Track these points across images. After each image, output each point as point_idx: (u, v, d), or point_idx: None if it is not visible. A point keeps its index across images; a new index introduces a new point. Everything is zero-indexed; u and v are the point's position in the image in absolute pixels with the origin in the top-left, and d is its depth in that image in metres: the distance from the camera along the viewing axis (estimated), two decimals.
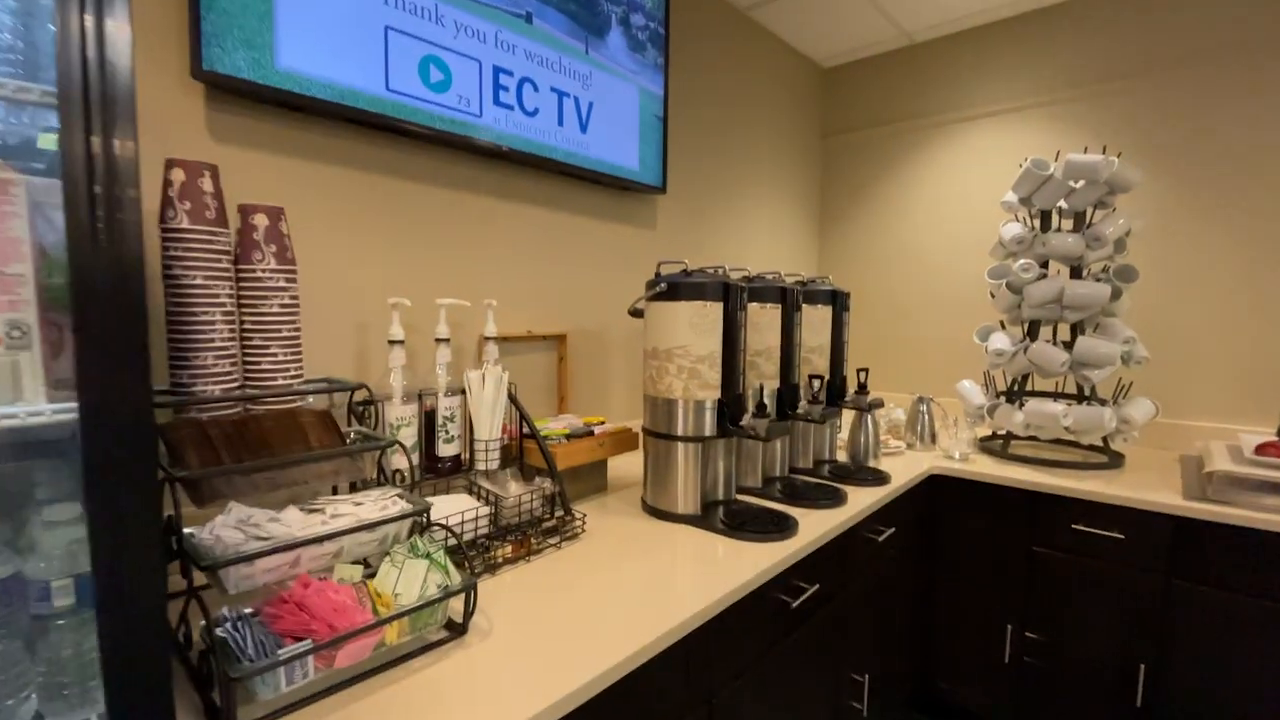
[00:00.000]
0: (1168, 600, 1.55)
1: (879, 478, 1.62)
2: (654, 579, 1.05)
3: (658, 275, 1.31)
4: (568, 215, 1.69)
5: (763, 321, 1.47)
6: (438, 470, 1.22)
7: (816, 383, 1.47)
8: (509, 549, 1.09)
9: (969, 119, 2.39)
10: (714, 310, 1.27)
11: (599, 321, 1.81)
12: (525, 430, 1.32)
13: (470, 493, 1.24)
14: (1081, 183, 1.79)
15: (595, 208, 1.76)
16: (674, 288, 1.27)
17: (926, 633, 1.95)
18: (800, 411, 1.49)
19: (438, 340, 1.23)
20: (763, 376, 1.48)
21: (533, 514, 1.22)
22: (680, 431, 1.30)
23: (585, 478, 1.47)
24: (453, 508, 1.09)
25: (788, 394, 1.51)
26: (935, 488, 1.88)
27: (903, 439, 2.07)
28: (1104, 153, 1.72)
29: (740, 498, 1.45)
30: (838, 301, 1.68)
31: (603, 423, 1.56)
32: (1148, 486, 1.62)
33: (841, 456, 1.86)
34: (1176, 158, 2.01)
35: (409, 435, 1.16)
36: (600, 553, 1.15)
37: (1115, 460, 1.82)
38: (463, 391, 1.23)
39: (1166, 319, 2.05)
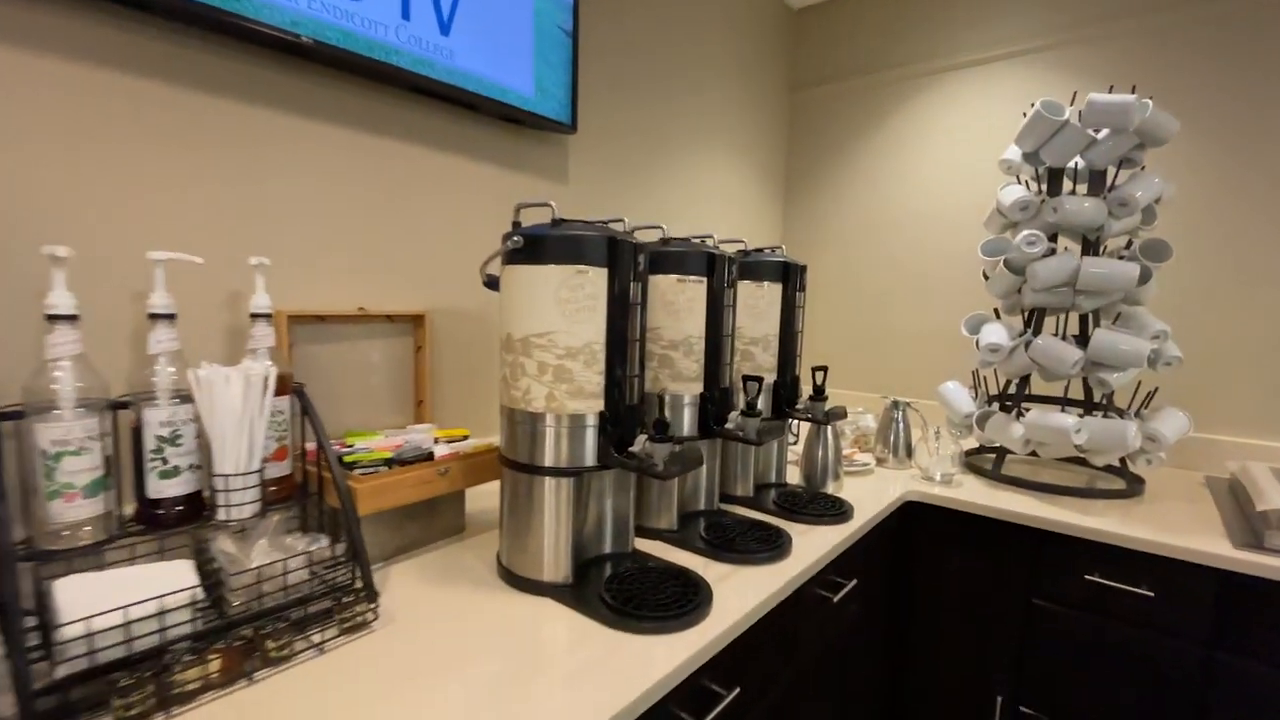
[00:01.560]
0: (1207, 678, 1.18)
1: (838, 511, 1.22)
2: (476, 712, 0.63)
3: (515, 226, 0.88)
4: (425, 150, 1.24)
5: (679, 301, 1.05)
6: (158, 521, 0.78)
7: (754, 386, 1.06)
8: (216, 664, 0.65)
9: (961, 66, 1.99)
10: (595, 280, 0.84)
11: (479, 300, 1.37)
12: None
13: (201, 558, 0.80)
14: (1105, 132, 1.39)
15: (470, 143, 1.32)
16: (535, 244, 0.84)
17: (895, 705, 1.58)
18: (730, 427, 1.07)
19: (152, 316, 0.78)
20: (678, 379, 1.06)
21: (300, 591, 0.78)
22: (546, 460, 0.87)
23: (424, 520, 1.04)
24: (133, 589, 0.65)
25: (714, 403, 1.09)
26: (910, 518, 1.49)
27: (872, 451, 1.68)
28: (1133, 94, 1.34)
29: (642, 548, 1.04)
30: (790, 278, 1.26)
31: (465, 437, 1.13)
32: (1180, 525, 1.25)
33: (794, 476, 1.46)
34: (1217, 110, 1.63)
35: (82, 468, 0.72)
36: (398, 658, 0.72)
37: (1134, 486, 1.45)
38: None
39: (1192, 309, 1.68)
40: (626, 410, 0.89)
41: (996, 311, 1.62)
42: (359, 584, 0.83)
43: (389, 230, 1.20)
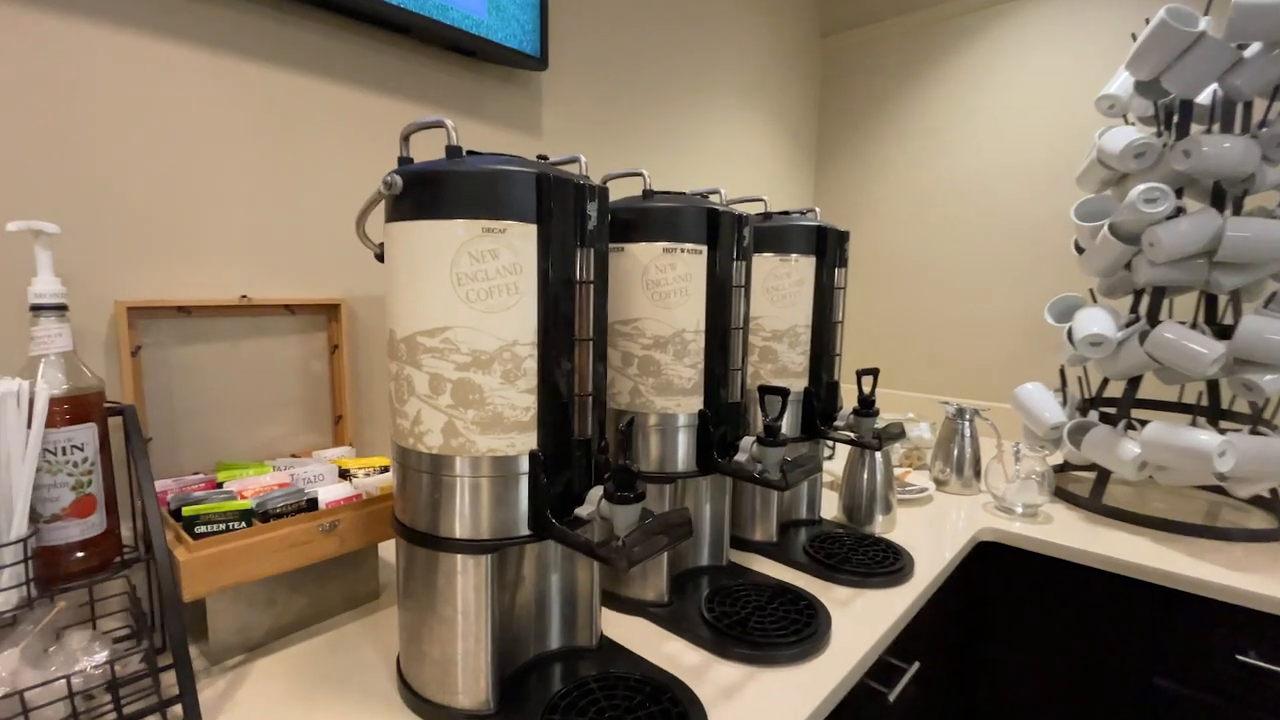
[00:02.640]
0: None
1: (893, 564, 0.90)
2: None
3: (404, 161, 0.57)
4: (337, 87, 0.94)
5: (667, 281, 0.73)
6: None
7: (775, 402, 0.73)
8: None
9: None
10: (517, 244, 0.53)
11: None
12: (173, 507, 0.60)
13: None
14: (1255, 47, 1.03)
15: (403, 80, 1.01)
16: (422, 186, 0.53)
17: None
18: (742, 460, 0.76)
19: None
20: (666, 392, 0.75)
21: None
22: (453, 528, 0.56)
23: (313, 589, 0.74)
24: None
25: (719, 424, 0.77)
26: (985, 563, 1.15)
27: (929, 469, 1.34)
28: None
29: (621, 630, 0.73)
30: (827, 249, 0.93)
31: (386, 469, 0.84)
32: None
33: (831, 508, 1.14)
34: None
35: None
36: None
37: None
38: None
39: None
40: (577, 448, 0.57)
41: (1092, 293, 1.27)
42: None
43: (285, 193, 0.90)
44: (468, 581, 0.57)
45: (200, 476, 0.80)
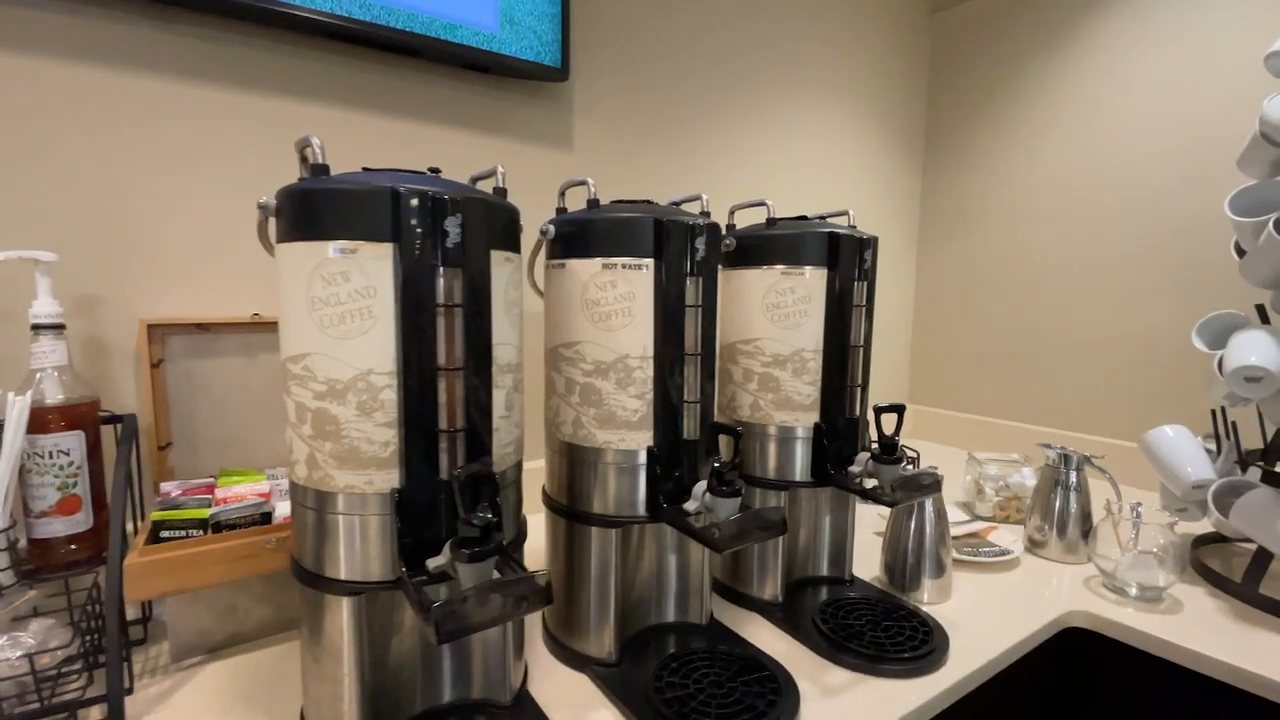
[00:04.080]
0: None
1: (920, 646, 0.73)
2: None
3: (316, 170, 0.56)
4: (348, 113, 0.97)
5: (607, 300, 0.65)
6: None
7: (724, 450, 0.62)
8: None
9: None
10: (363, 264, 0.49)
11: None
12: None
13: None
14: None
15: (416, 101, 1.03)
16: (292, 203, 0.51)
17: None
18: (690, 510, 0.65)
19: None
20: (609, 425, 0.66)
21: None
22: (338, 569, 0.54)
23: (278, 600, 0.76)
24: None
25: (665, 464, 0.67)
26: (1076, 658, 0.91)
27: (1022, 522, 1.10)
28: None
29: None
30: (841, 260, 0.79)
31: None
32: None
33: (871, 566, 0.97)
34: None
35: None
36: None
37: None
38: None
39: None
40: (444, 490, 0.52)
41: (1262, 310, 0.96)
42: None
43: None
44: (334, 623, 0.53)
45: (206, 481, 0.86)
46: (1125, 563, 0.90)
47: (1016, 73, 1.59)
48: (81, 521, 0.71)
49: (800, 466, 0.83)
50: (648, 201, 0.70)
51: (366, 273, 0.48)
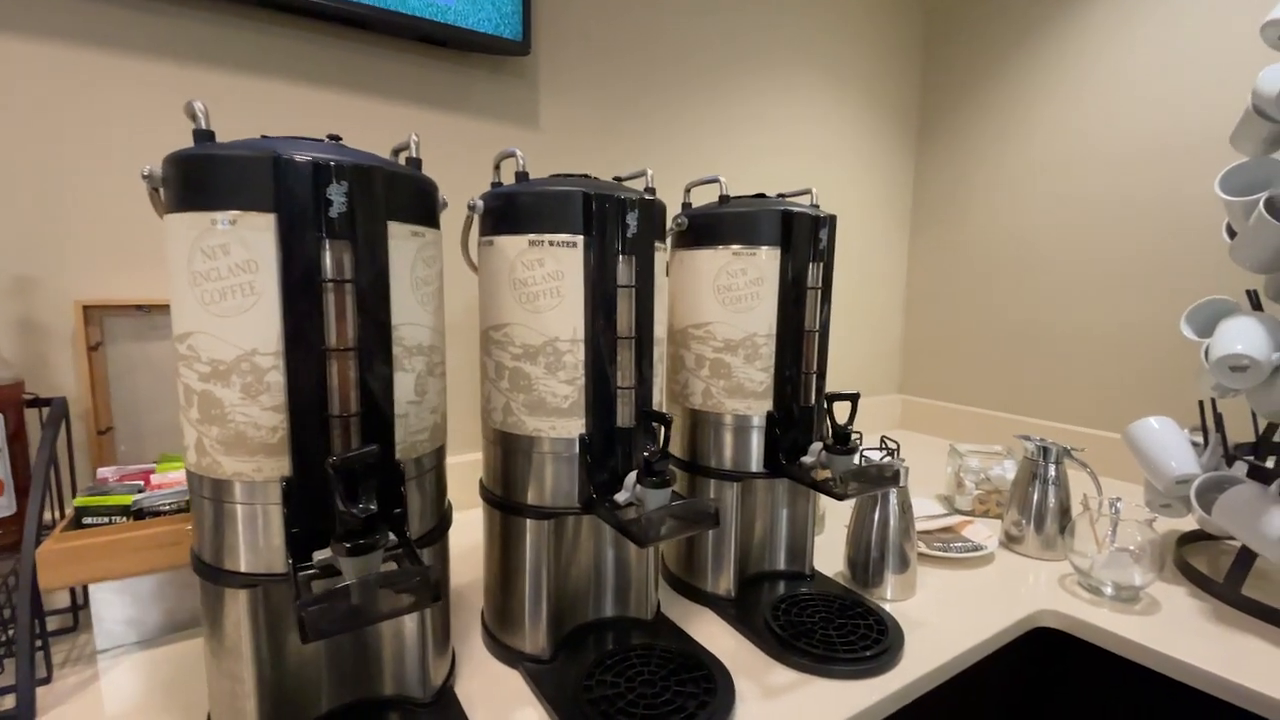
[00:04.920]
0: None
1: (868, 649, 0.69)
2: None
3: (198, 137, 0.52)
4: (295, 88, 0.94)
5: (534, 279, 0.61)
6: None
7: (659, 431, 0.59)
8: None
9: None
10: (242, 235, 0.45)
11: None
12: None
13: None
14: None
15: (375, 77, 0.99)
16: (169, 176, 0.48)
17: None
18: (621, 501, 0.61)
19: None
20: (539, 412, 0.63)
21: None
22: (237, 561, 0.51)
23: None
24: None
25: (599, 454, 0.64)
26: (1047, 655, 0.87)
27: (1000, 515, 1.06)
28: None
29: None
30: (796, 240, 0.74)
31: None
32: None
33: (834, 559, 0.93)
34: None
35: None
36: None
37: None
38: None
39: None
40: (343, 477, 0.49)
41: (1253, 295, 0.91)
42: None
43: None
44: (231, 618, 0.51)
45: (145, 467, 0.84)
46: (1101, 560, 0.86)
47: (1010, 54, 1.52)
48: (4, 507, 0.69)
49: (756, 456, 0.80)
50: (585, 176, 0.66)
51: (247, 245, 0.45)
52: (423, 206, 0.54)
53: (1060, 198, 1.45)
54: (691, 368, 0.80)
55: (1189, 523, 1.06)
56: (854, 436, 0.72)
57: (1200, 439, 0.95)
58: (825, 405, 0.76)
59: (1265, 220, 0.79)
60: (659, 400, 0.68)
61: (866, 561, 0.85)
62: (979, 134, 1.60)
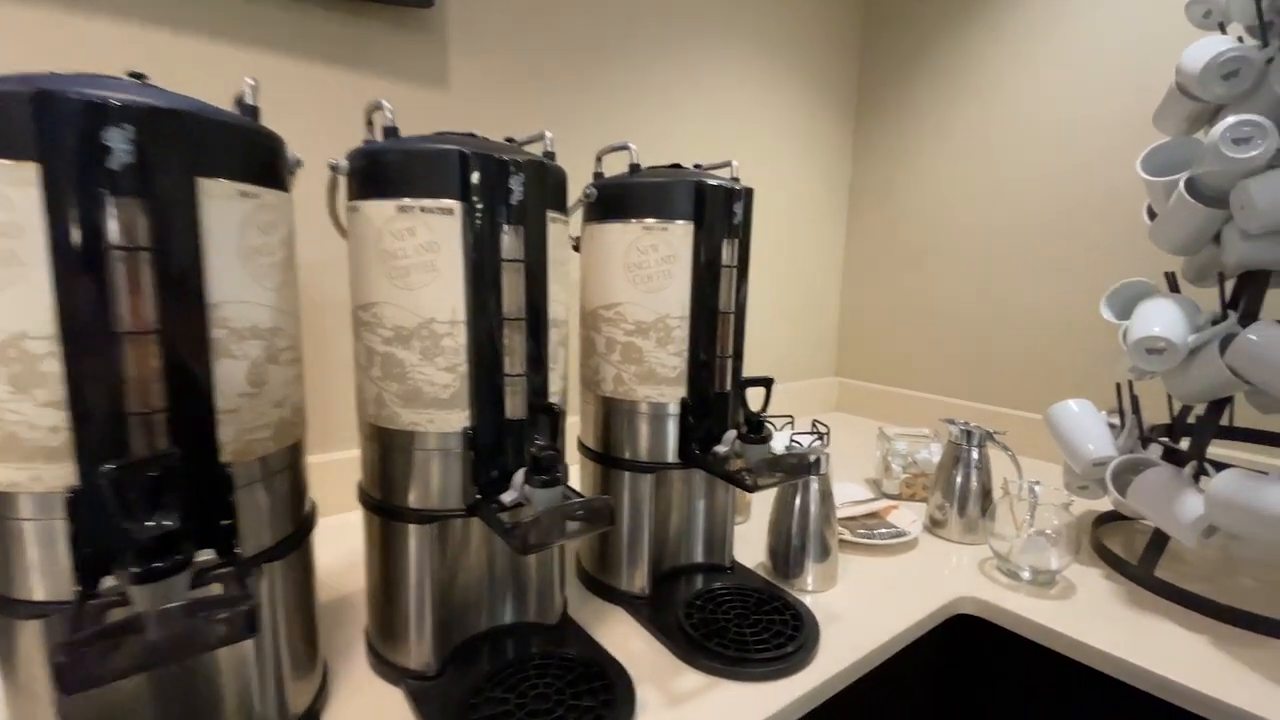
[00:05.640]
0: None
1: (782, 648, 0.65)
2: None
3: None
4: (160, 34, 0.82)
5: (404, 250, 0.53)
6: None
7: (544, 422, 0.53)
8: None
9: None
10: (3, 193, 0.36)
11: None
12: None
13: None
14: None
15: (257, 27, 0.88)
16: None
17: None
18: (507, 501, 0.55)
19: None
20: (413, 403, 0.56)
21: None
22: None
23: None
24: None
25: (484, 449, 0.57)
26: (968, 643, 0.86)
27: (927, 500, 1.05)
28: None
29: None
30: (706, 214, 0.69)
31: None
32: None
33: (759, 550, 0.90)
34: None
35: None
36: None
37: None
38: None
39: None
40: (122, 488, 0.40)
41: (1171, 278, 0.91)
42: None
43: None
44: (22, 653, 0.42)
45: None
46: (1019, 545, 0.85)
47: (946, 35, 1.50)
48: None
49: (673, 446, 0.74)
50: (472, 135, 0.58)
51: (7, 204, 0.36)
52: (256, 162, 0.45)
53: (992, 180, 1.44)
54: (603, 352, 0.74)
55: (1107, 503, 1.08)
56: (768, 424, 0.68)
57: (1118, 421, 0.95)
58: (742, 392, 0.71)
59: (1185, 200, 0.77)
60: (560, 388, 0.62)
61: (787, 551, 0.82)
62: (916, 115, 1.58)
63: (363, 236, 0.55)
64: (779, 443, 1.13)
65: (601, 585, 0.79)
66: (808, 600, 0.78)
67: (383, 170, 0.54)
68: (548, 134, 0.63)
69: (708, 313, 0.71)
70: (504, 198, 0.53)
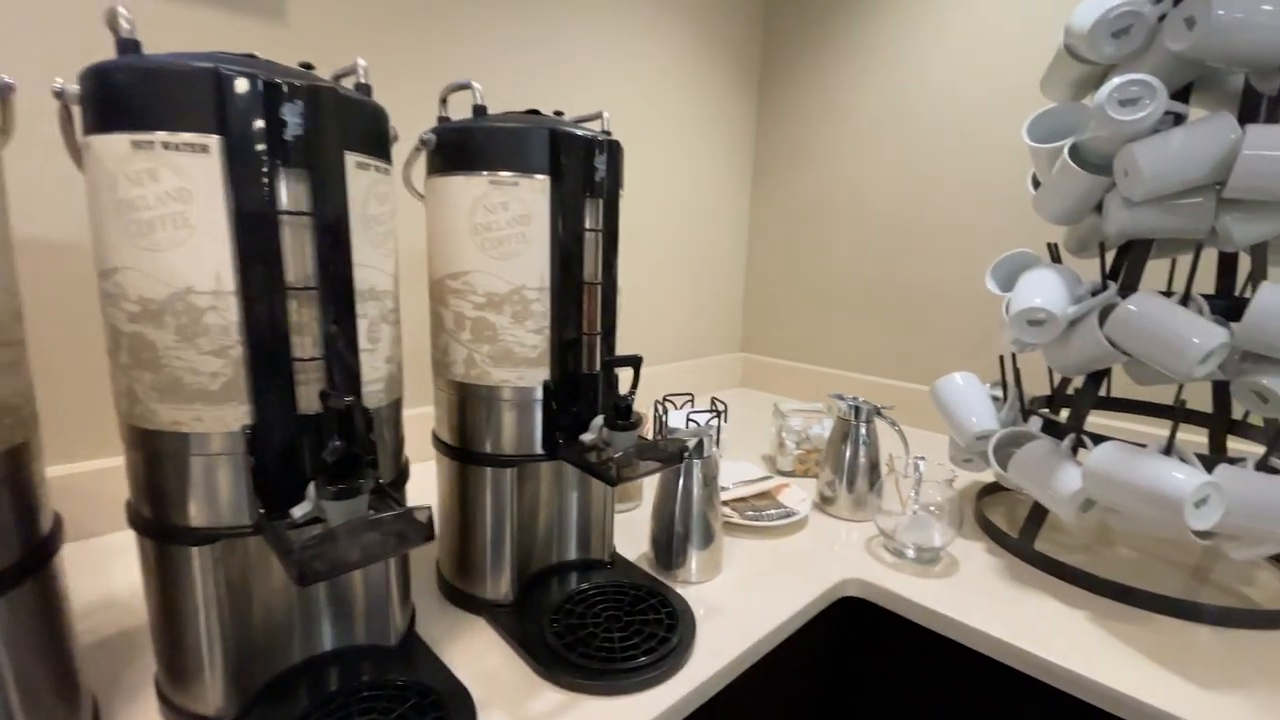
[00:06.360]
0: None
1: (651, 654, 0.59)
2: None
3: None
4: None
5: (146, 199, 0.41)
6: None
7: (332, 415, 0.43)
8: None
9: None
10: None
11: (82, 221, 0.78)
12: None
13: None
14: None
15: None
16: None
17: None
18: (298, 516, 0.45)
19: None
20: (172, 396, 0.44)
21: None
22: None
23: None
24: None
25: (272, 451, 0.46)
26: (854, 625, 0.84)
27: (816, 476, 1.02)
28: None
29: None
30: (564, 169, 0.59)
31: None
32: None
33: (642, 539, 0.83)
34: None
35: None
36: None
37: None
38: None
39: None
40: None
41: (1053, 249, 0.90)
42: None
43: None
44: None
45: None
46: (904, 523, 0.83)
47: (854, 2, 1.45)
48: None
49: (539, 436, 0.66)
50: (252, 56, 0.46)
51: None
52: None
53: (893, 152, 1.42)
54: (451, 329, 0.63)
55: (983, 476, 1.09)
56: (635, 410, 0.60)
57: (1001, 394, 0.95)
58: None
59: (1068, 167, 0.75)
60: (385, 374, 0.52)
61: (669, 540, 0.76)
62: (821, 80, 1.53)
63: (96, 182, 0.42)
64: (677, 420, 1.07)
65: (462, 595, 0.70)
66: (689, 593, 0.72)
67: (114, 95, 0.41)
68: (361, 62, 0.52)
69: (572, 284, 0.62)
70: (277, 132, 0.42)
